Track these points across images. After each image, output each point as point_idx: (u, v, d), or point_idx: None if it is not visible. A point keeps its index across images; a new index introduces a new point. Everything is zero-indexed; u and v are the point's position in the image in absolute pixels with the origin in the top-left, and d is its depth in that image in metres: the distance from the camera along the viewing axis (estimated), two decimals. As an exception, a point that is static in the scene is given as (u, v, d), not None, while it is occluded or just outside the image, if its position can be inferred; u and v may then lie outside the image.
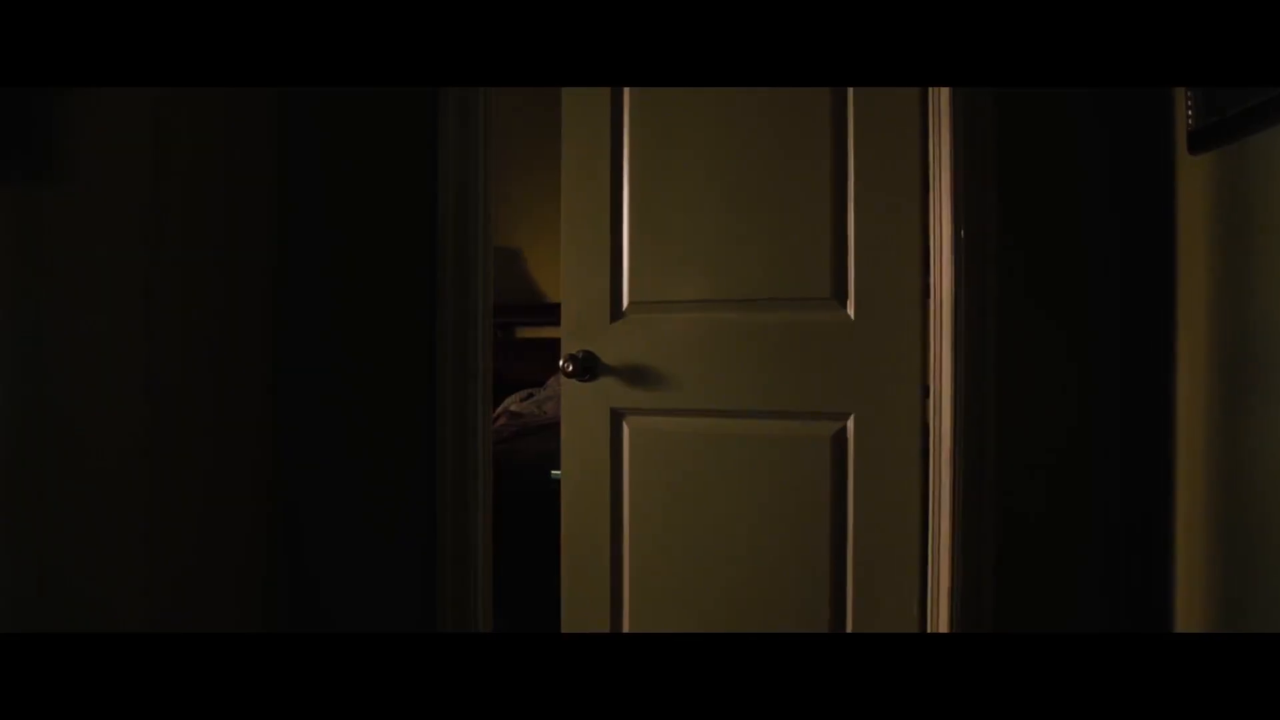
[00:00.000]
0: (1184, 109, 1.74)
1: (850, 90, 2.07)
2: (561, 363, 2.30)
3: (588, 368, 2.31)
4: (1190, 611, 1.80)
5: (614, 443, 2.30)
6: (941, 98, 2.00)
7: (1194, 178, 1.79)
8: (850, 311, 2.10)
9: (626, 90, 2.27)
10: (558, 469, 2.37)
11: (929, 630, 2.02)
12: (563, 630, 2.34)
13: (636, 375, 2.27)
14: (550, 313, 4.19)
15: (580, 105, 2.32)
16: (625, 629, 2.28)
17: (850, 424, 2.10)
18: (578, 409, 2.34)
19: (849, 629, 2.08)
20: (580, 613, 2.32)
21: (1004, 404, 2.00)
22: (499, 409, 4.54)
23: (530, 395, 4.66)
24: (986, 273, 2.00)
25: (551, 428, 3.86)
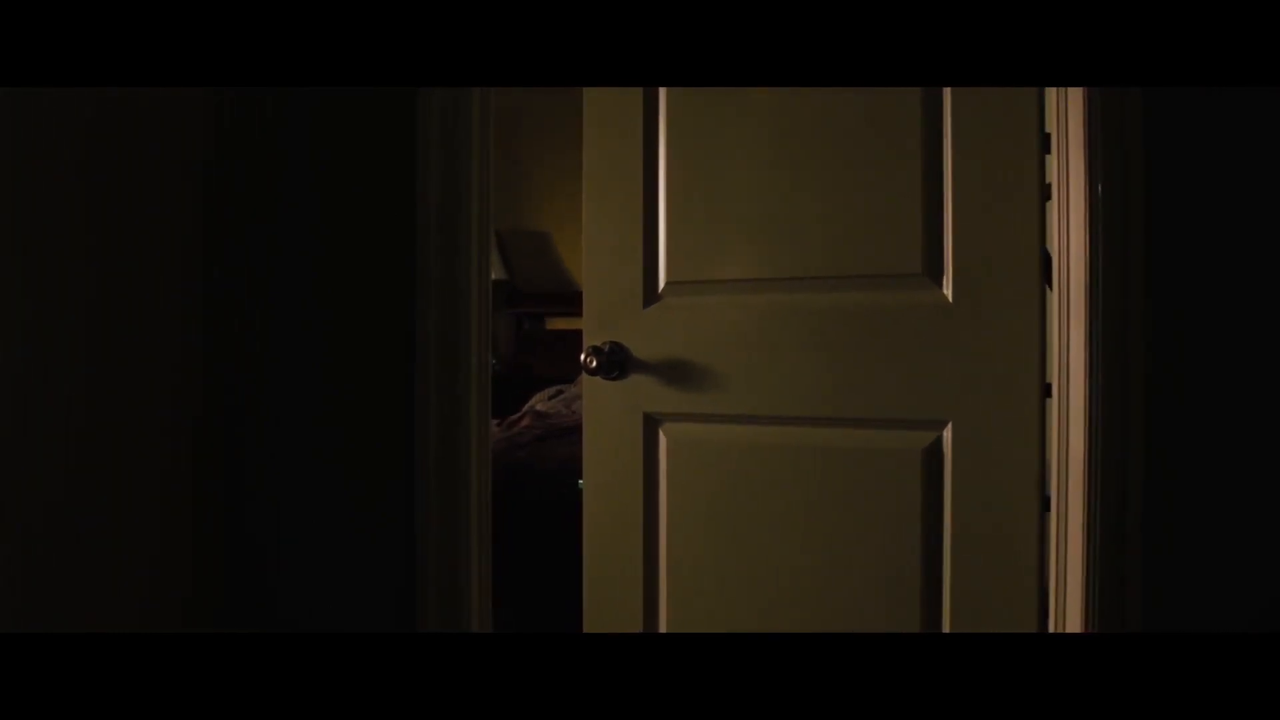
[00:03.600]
0: None
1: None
2: (584, 357, 1.87)
3: (615, 363, 1.88)
4: None
5: (647, 456, 1.87)
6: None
7: None
8: (947, 291, 1.65)
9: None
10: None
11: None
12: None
13: (675, 372, 1.84)
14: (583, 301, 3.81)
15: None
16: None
17: (947, 434, 1.65)
18: (603, 413, 1.91)
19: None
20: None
21: (1152, 409, 1.54)
22: (524, 408, 4.14)
23: (559, 393, 4.26)
24: (1130, 239, 1.53)
25: (581, 430, 3.45)
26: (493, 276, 4.74)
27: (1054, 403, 1.60)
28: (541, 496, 3.12)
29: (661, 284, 1.86)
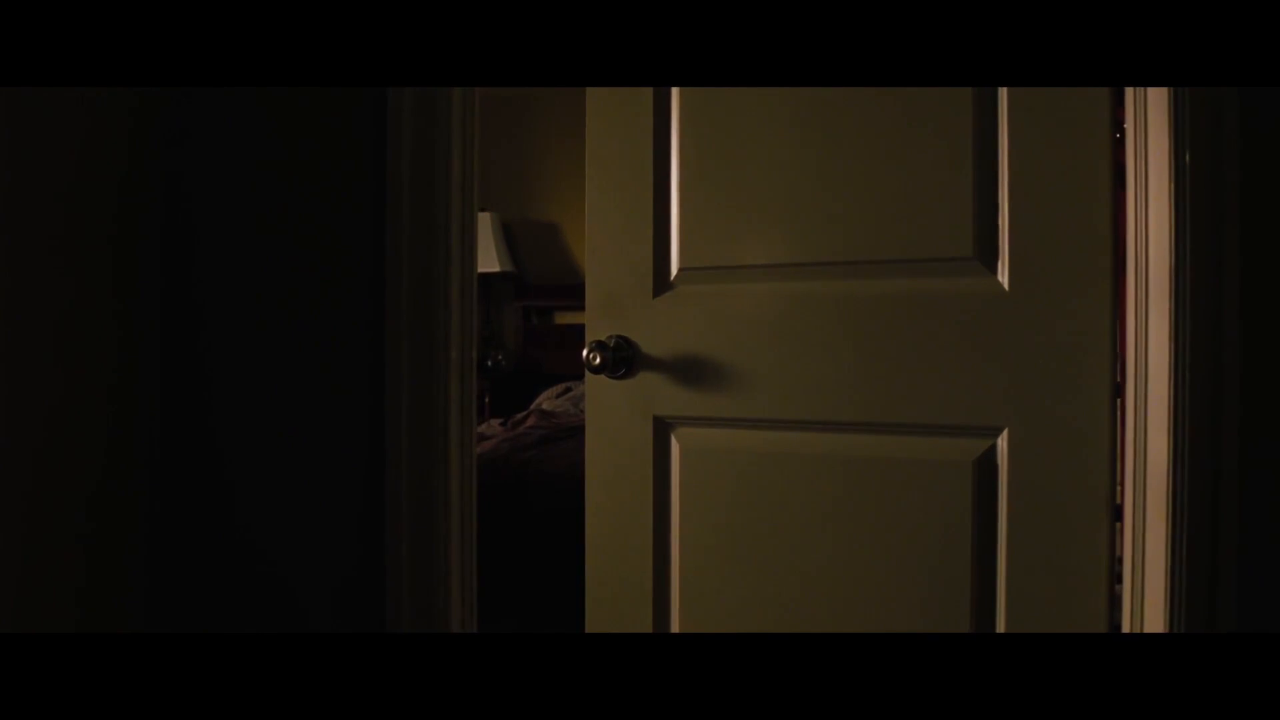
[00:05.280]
0: None
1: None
2: (585, 353, 1.66)
3: (622, 359, 1.67)
4: None
5: (658, 464, 1.66)
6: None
7: None
8: (1003, 278, 1.43)
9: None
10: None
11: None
12: None
13: (689, 370, 1.63)
14: (590, 294, 3.63)
15: None
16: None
17: (1002, 443, 1.43)
18: (608, 416, 1.70)
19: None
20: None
21: (1249, 412, 1.32)
22: (530, 407, 3.94)
23: (567, 390, 4.06)
24: (1225, 218, 1.31)
25: (589, 430, 3.26)
26: (499, 269, 4.56)
27: (1126, 404, 1.39)
28: (547, 501, 2.93)
29: (674, 270, 1.65)
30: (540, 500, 2.96)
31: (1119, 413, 1.38)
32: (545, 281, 4.72)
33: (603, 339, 1.68)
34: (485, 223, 4.55)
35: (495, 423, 3.73)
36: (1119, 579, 1.39)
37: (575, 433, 3.35)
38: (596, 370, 1.65)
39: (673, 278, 1.65)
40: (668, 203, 1.65)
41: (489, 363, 4.66)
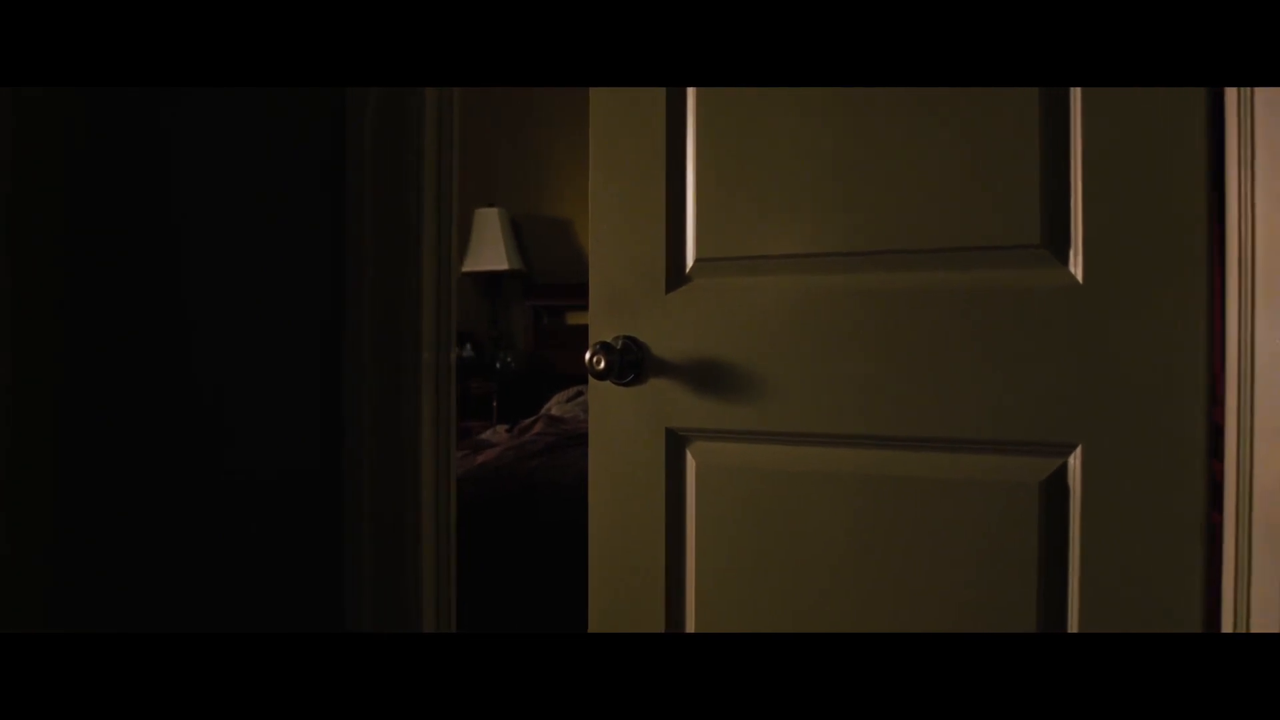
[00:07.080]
0: None
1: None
2: (589, 356, 1.45)
3: (630, 363, 1.46)
4: None
5: (671, 483, 1.45)
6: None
7: None
8: (1076, 269, 1.22)
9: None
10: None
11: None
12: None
13: (707, 375, 1.43)
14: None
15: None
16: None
17: (1074, 462, 1.22)
18: (614, 427, 1.50)
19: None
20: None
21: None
22: (539, 412, 3.75)
23: (579, 394, 3.86)
24: (1350, 192, 1.10)
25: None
26: (508, 267, 4.37)
27: (1227, 415, 1.17)
28: (554, 512, 2.74)
29: (689, 262, 1.45)
30: (547, 512, 2.78)
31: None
32: (556, 280, 4.53)
33: (608, 340, 1.47)
34: (493, 219, 4.36)
35: (501, 429, 3.55)
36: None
37: (584, 440, 3.16)
38: (601, 375, 1.45)
39: (688, 270, 1.45)
40: (683, 185, 1.44)
41: (498, 364, 4.47)
